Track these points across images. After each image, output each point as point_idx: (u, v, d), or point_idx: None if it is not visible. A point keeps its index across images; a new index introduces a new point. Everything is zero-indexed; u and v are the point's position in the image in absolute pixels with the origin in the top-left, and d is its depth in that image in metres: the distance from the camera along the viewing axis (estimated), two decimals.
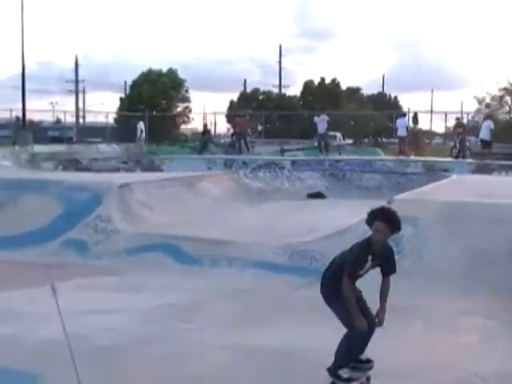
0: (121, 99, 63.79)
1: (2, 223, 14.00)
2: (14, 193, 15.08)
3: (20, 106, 40.78)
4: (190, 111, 62.71)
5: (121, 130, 47.40)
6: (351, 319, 5.60)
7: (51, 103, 71.43)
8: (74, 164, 28.41)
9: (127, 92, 63.77)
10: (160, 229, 13.14)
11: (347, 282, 5.65)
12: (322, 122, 28.98)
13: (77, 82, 73.43)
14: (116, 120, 52.82)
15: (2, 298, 9.35)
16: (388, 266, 5.92)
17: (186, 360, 6.78)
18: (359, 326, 5.56)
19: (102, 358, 6.73)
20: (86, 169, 27.50)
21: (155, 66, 62.88)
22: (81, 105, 72.37)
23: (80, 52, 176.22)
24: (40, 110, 66.33)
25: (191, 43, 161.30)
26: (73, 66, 75.13)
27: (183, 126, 62.18)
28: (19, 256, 12.26)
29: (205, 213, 15.83)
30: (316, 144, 31.26)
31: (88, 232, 13.20)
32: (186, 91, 63.49)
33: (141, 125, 36.97)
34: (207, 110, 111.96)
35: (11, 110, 40.72)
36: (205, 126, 40.47)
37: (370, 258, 5.72)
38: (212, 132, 44.29)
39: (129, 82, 63.46)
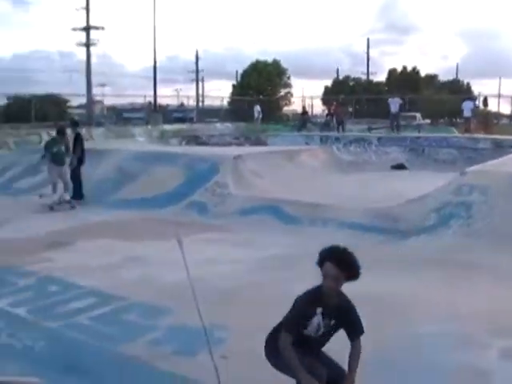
0: (233, 86, 64.02)
1: (141, 188, 14.55)
2: (150, 163, 15.62)
3: (152, 93, 42.11)
4: (291, 95, 62.65)
5: (233, 111, 47.91)
6: (299, 380, 3.89)
7: (176, 90, 72.21)
8: (195, 140, 28.98)
9: (238, 80, 63.99)
10: (266, 194, 13.25)
11: (285, 336, 3.96)
12: (394, 103, 28.10)
13: (197, 72, 73.86)
14: (229, 103, 53.20)
15: (139, 248, 9.75)
16: (350, 327, 4.05)
17: (286, 304, 6.87)
18: None
19: (219, 297, 6.94)
20: (205, 143, 27.99)
21: (262, 57, 63.00)
22: (200, 91, 73.15)
23: (200, 47, 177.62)
24: (167, 95, 67.60)
25: (292, 37, 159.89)
26: (194, 58, 75.75)
27: (285, 108, 62.40)
28: (155, 214, 12.68)
29: (303, 181, 15.82)
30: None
31: (207, 196, 13.49)
32: (288, 78, 63.29)
33: (257, 107, 37.41)
34: (305, 94, 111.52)
35: (145, 96, 41.89)
36: (303, 107, 40.27)
37: (319, 310, 3.98)
38: (309, 113, 44.03)
39: (240, 71, 63.79)
